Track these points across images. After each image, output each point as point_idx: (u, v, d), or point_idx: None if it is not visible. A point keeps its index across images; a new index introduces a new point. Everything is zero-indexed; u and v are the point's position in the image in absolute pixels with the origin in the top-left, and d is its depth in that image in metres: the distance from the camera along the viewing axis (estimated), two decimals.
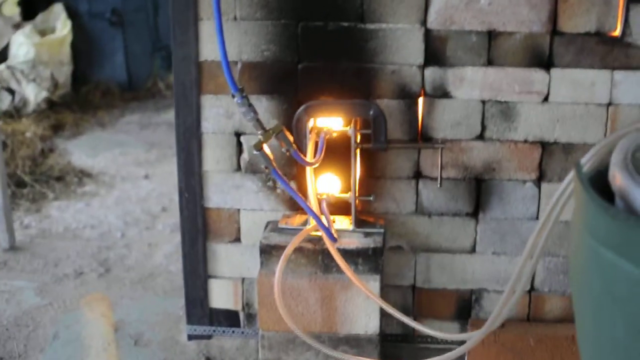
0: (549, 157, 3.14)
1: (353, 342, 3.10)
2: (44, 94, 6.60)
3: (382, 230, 3.13)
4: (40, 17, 7.04)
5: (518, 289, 2.52)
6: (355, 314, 3.08)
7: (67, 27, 6.96)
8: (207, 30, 3.12)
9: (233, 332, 3.46)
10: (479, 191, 3.21)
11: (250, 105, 2.67)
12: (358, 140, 3.07)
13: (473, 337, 2.71)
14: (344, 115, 3.09)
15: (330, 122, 3.11)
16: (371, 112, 3.05)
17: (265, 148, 2.69)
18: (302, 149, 3.00)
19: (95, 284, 4.03)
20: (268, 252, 3.07)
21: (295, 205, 3.27)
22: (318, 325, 3.10)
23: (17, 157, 5.45)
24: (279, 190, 3.27)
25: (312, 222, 3.02)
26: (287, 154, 2.78)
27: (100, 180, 5.39)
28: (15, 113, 6.37)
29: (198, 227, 3.34)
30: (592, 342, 1.82)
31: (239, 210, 3.32)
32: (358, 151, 3.10)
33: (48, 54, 6.74)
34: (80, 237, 4.55)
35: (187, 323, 3.47)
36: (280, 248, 3.03)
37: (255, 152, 2.67)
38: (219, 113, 3.20)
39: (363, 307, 3.06)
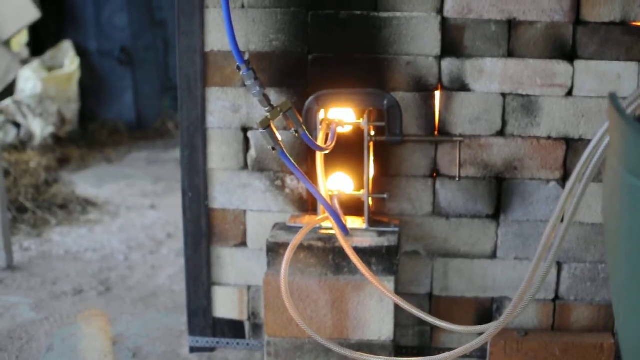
0: (574, 154, 2.97)
1: (366, 349, 2.89)
2: (50, 129, 6.48)
3: (396, 230, 2.95)
4: (48, 54, 6.96)
5: (543, 268, 2.33)
6: (367, 318, 2.88)
7: (75, 64, 6.87)
8: (214, 18, 2.99)
9: (238, 343, 3.26)
10: (499, 191, 3.03)
11: (256, 78, 2.51)
12: (372, 133, 2.91)
13: (490, 327, 2.51)
14: (356, 106, 2.93)
15: (341, 114, 2.95)
16: (385, 102, 2.89)
17: (272, 126, 2.52)
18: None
19: (95, 301, 3.83)
20: (275, 250, 2.89)
21: (305, 207, 3.10)
22: (328, 331, 2.90)
23: (20, 185, 5.29)
24: (287, 190, 3.09)
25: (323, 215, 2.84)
26: (296, 135, 2.60)
27: (104, 209, 5.22)
28: (20, 146, 6.24)
29: (202, 229, 3.16)
30: (631, 287, 1.63)
31: (245, 211, 3.14)
32: (371, 145, 2.94)
33: (55, 89, 6.63)
34: (82, 260, 4.37)
35: (189, 334, 3.27)
36: (287, 247, 2.85)
37: (261, 131, 2.50)
38: (225, 107, 3.05)
39: (376, 310, 2.87)
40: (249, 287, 3.21)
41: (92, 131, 6.99)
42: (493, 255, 3.09)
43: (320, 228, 2.94)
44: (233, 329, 3.26)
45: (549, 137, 2.97)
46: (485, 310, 3.14)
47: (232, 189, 3.12)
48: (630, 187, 1.56)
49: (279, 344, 2.93)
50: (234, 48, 2.47)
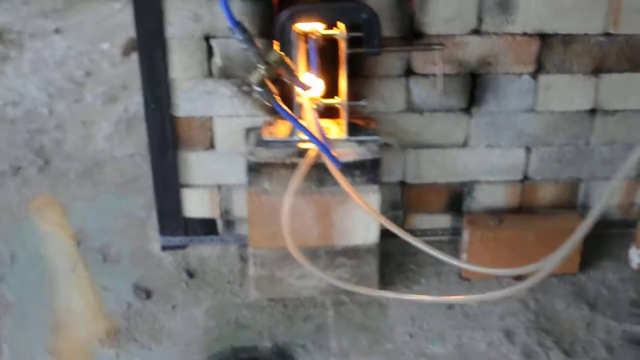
0: (548, 49, 2.94)
1: (352, 253, 2.96)
2: None
3: (376, 138, 2.92)
4: None
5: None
6: (353, 227, 2.93)
7: None
8: None
9: (211, 240, 3.25)
10: (473, 86, 3.00)
11: (252, 40, 2.36)
12: (348, 46, 2.78)
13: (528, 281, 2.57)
14: (332, 20, 2.77)
15: (315, 25, 2.80)
16: (362, 16, 2.73)
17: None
18: (289, 57, 2.69)
19: (37, 180, 3.68)
20: (257, 169, 2.84)
21: (274, 110, 3.00)
22: (314, 240, 2.93)
23: None
24: (255, 95, 2.97)
25: (309, 145, 2.78)
26: (289, 83, 2.51)
27: (6, 39, 4.89)
28: None
29: (167, 137, 3.04)
30: None
31: (211, 117, 3.03)
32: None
33: None
34: (4, 120, 4.14)
35: (161, 234, 3.23)
36: (269, 165, 2.82)
37: (259, 90, 2.39)
38: (187, 17, 2.84)
39: (362, 219, 2.90)
40: (219, 187, 3.16)
41: None
42: (465, 144, 3.11)
43: (299, 141, 2.87)
44: (205, 227, 3.24)
45: (524, 34, 2.92)
46: (456, 194, 3.22)
47: (196, 97, 2.97)
48: None
49: (265, 255, 2.97)
50: (225, 9, 2.29)
